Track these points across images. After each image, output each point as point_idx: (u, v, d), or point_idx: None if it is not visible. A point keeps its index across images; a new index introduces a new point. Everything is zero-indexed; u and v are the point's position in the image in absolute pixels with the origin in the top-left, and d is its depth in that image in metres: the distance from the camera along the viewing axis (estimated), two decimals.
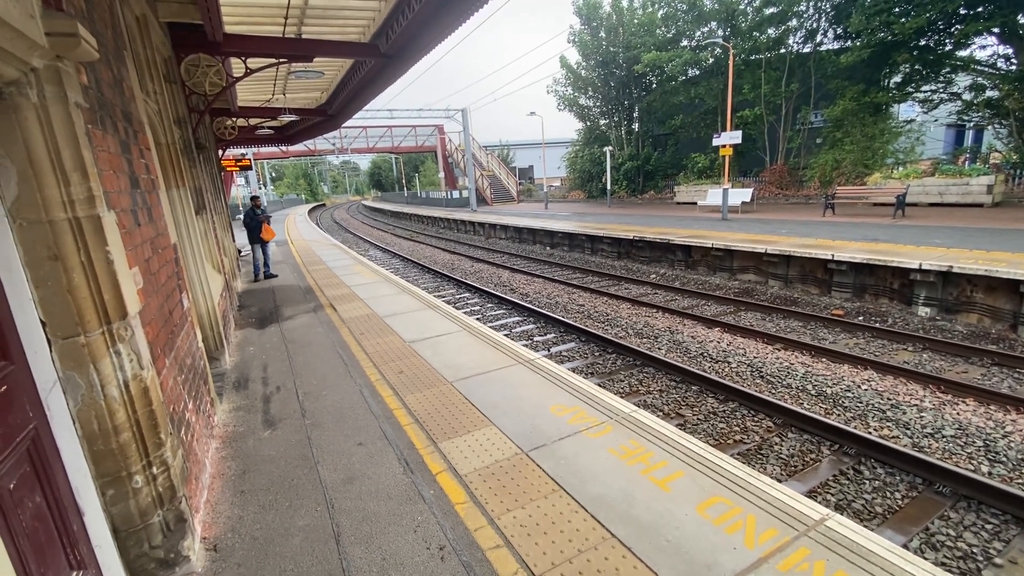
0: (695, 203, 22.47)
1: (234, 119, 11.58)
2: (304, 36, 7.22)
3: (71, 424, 1.98)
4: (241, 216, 11.02)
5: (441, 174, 43.93)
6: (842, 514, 3.68)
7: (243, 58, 6.76)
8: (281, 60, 6.98)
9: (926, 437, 4.70)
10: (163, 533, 2.31)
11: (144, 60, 4.22)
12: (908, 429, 4.84)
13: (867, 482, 4.10)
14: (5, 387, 1.70)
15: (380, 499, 2.90)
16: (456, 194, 37.92)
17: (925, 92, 19.72)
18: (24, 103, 1.79)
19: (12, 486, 1.65)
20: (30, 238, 1.84)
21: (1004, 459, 4.30)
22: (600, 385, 5.94)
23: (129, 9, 3.80)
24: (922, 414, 5.08)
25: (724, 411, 5.35)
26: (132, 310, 2.19)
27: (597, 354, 7.15)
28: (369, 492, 2.97)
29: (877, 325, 7.65)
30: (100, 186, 2.07)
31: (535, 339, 7.93)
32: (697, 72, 25.66)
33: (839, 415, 5.18)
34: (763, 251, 10.41)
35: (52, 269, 1.88)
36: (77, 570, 1.93)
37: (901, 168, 18.72)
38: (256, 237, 10.56)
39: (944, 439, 4.65)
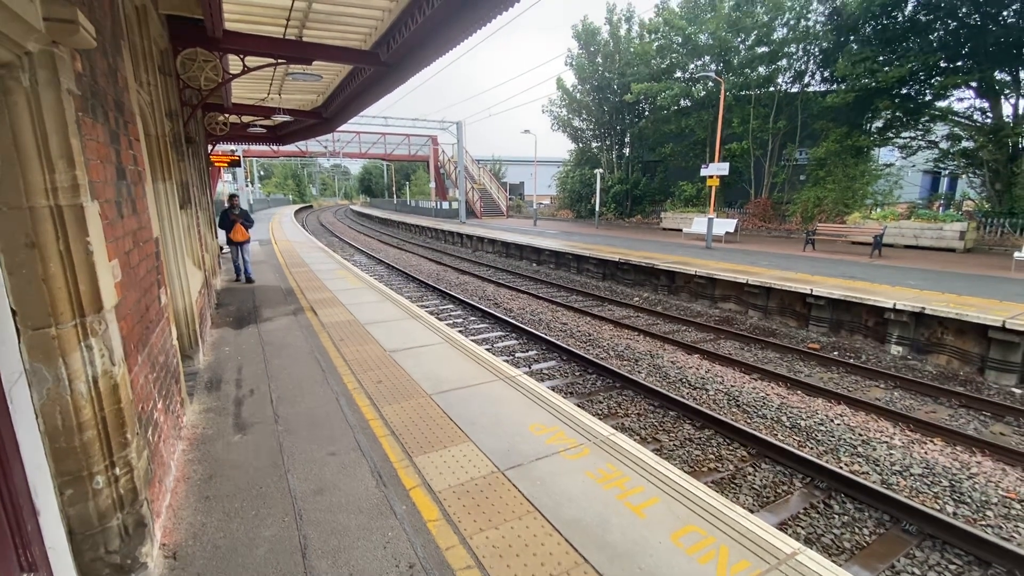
0: (680, 230, 22.84)
1: (227, 115, 11.48)
2: (305, 39, 7.23)
3: (33, 419, 1.90)
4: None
5: (432, 184, 43.98)
6: (812, 548, 3.71)
7: (241, 56, 6.73)
8: (280, 61, 6.97)
9: (895, 474, 4.78)
10: (121, 537, 2.21)
11: (140, 51, 4.18)
12: (878, 465, 4.92)
13: (837, 516, 4.15)
14: None
15: (351, 512, 2.83)
16: (446, 205, 37.93)
17: (904, 138, 20.50)
18: (15, 86, 1.76)
19: None
20: (8, 224, 1.78)
21: (968, 500, 4.39)
22: (579, 405, 5.93)
23: None
24: (891, 451, 5.17)
25: (700, 438, 5.38)
26: (108, 304, 2.13)
27: (578, 374, 7.15)
28: (339, 504, 2.90)
29: (851, 361, 7.81)
30: (86, 175, 2.02)
31: (517, 355, 7.91)
32: (689, 103, 26.31)
33: (812, 448, 5.25)
34: (745, 281, 10.59)
35: (28, 257, 1.82)
36: (27, 572, 1.83)
37: (879, 209, 19.35)
38: (228, 239, 10.06)
39: (912, 477, 4.73)
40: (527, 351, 8.14)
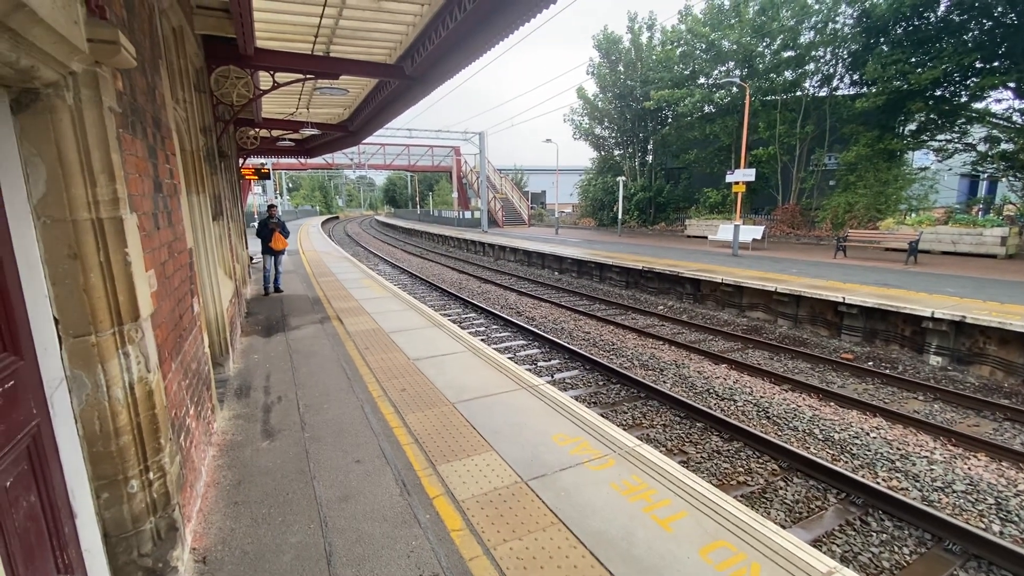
0: (706, 237, 22.51)
1: (257, 130, 11.84)
2: (332, 54, 7.43)
3: (73, 424, 1.97)
4: (256, 224, 10.88)
5: (455, 194, 44.45)
6: (848, 567, 3.56)
7: (272, 72, 6.95)
8: (308, 76, 7.17)
9: (936, 491, 4.56)
10: (153, 541, 2.27)
11: (177, 69, 4.35)
12: (918, 481, 4.71)
13: (874, 534, 3.98)
14: (12, 382, 1.69)
15: (375, 520, 2.84)
16: (468, 214, 38.26)
17: (940, 141, 19.82)
18: (60, 104, 1.84)
19: (9, 484, 1.63)
20: (52, 236, 1.86)
21: (1017, 518, 4.15)
22: (603, 416, 5.86)
23: (167, 20, 3.93)
24: (932, 467, 4.94)
25: (728, 450, 5.24)
26: (144, 312, 2.20)
27: (601, 383, 7.07)
28: (364, 512, 2.91)
29: (887, 372, 7.52)
30: (125, 189, 2.10)
31: (539, 364, 7.87)
32: (712, 109, 26.03)
33: (846, 462, 5.06)
34: (773, 289, 10.35)
35: (71, 267, 1.90)
36: (64, 574, 1.89)
37: (914, 215, 18.71)
38: (267, 248, 10.01)
39: (955, 494, 4.51)
40: (549, 360, 8.10)
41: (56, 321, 1.89)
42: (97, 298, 1.96)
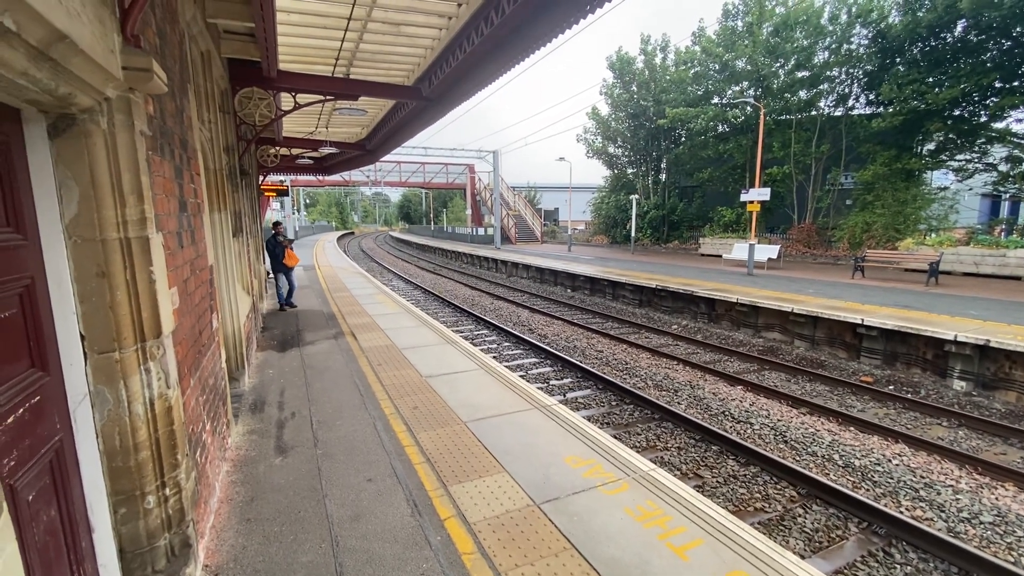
0: (720, 256, 22.33)
1: (277, 148, 12.13)
2: (352, 76, 7.62)
3: (94, 439, 2.00)
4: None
5: (468, 211, 44.82)
6: None
7: (293, 93, 7.14)
8: (328, 97, 7.35)
9: (962, 522, 4.40)
10: (167, 558, 2.28)
11: (204, 91, 4.49)
12: (943, 511, 4.55)
13: (898, 566, 3.84)
14: (38, 398, 1.73)
15: (386, 541, 2.82)
16: (481, 231, 38.51)
17: (959, 161, 19.54)
18: (94, 129, 1.91)
19: (31, 498, 1.66)
20: (82, 255, 1.92)
21: None
22: (616, 437, 5.78)
23: (196, 46, 4.08)
24: (958, 496, 4.78)
25: (745, 475, 5.12)
26: (167, 329, 2.25)
27: (614, 403, 6.99)
28: (375, 532, 2.90)
29: (909, 396, 7.33)
30: (152, 209, 2.16)
31: (551, 382, 7.82)
32: (726, 128, 26.04)
33: (868, 490, 4.91)
34: (790, 310, 10.20)
35: (98, 285, 1.95)
36: None
37: (934, 235, 18.39)
38: (279, 265, 9.87)
39: (982, 526, 4.34)
40: (562, 379, 8.04)
41: (83, 337, 1.94)
42: (122, 315, 2.01)
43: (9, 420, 1.54)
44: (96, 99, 1.89)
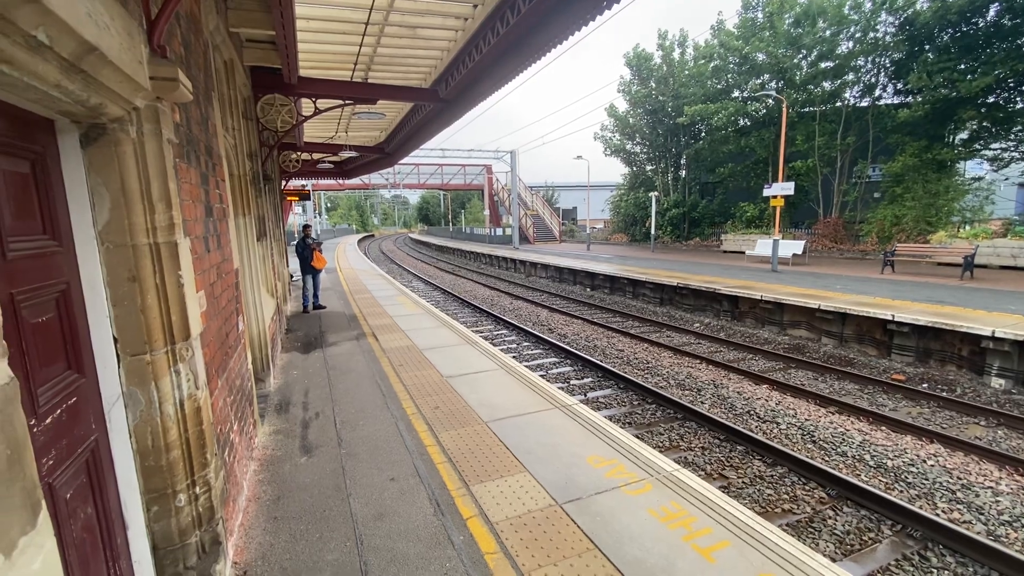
0: (743, 252, 21.94)
1: (299, 153, 12.35)
2: (370, 80, 7.70)
3: (128, 439, 2.06)
4: (294, 243, 11.19)
5: (486, 211, 44.98)
6: None
7: (313, 99, 7.26)
8: (347, 102, 7.45)
9: (1003, 525, 4.23)
10: (198, 554, 2.33)
11: (227, 99, 4.60)
12: (982, 514, 4.38)
13: (935, 571, 3.71)
14: (75, 399, 1.79)
15: (409, 540, 2.84)
16: (499, 231, 38.59)
17: (994, 150, 18.84)
18: (124, 138, 1.97)
19: (69, 496, 1.72)
20: (114, 260, 1.98)
21: None
22: (638, 437, 5.73)
23: (220, 55, 4.18)
24: (998, 498, 4.60)
25: (772, 476, 5.02)
26: (195, 332, 2.30)
27: (636, 403, 6.92)
28: (399, 531, 2.92)
29: (944, 394, 7.08)
30: (180, 215, 2.22)
31: (572, 382, 7.78)
32: (747, 123, 25.57)
33: (901, 491, 4.76)
34: (816, 306, 9.96)
35: (130, 289, 2.01)
36: None
37: (968, 227, 17.76)
38: (307, 267, 10.17)
39: None
40: (582, 378, 7.99)
41: (115, 340, 2.00)
42: (153, 318, 2.07)
43: (48, 420, 1.60)
44: (125, 109, 1.95)
